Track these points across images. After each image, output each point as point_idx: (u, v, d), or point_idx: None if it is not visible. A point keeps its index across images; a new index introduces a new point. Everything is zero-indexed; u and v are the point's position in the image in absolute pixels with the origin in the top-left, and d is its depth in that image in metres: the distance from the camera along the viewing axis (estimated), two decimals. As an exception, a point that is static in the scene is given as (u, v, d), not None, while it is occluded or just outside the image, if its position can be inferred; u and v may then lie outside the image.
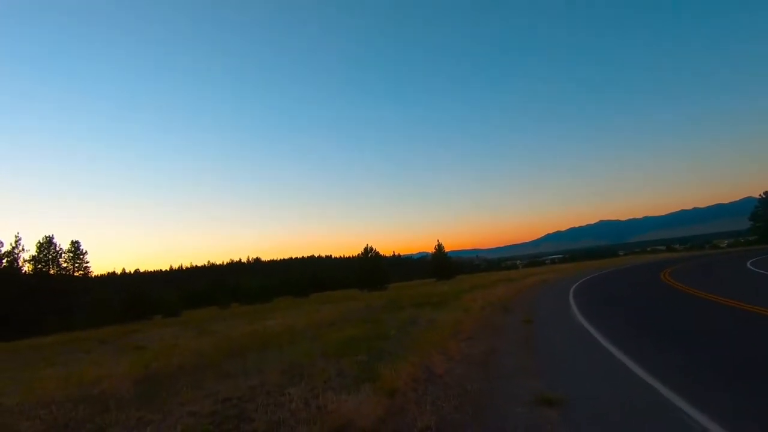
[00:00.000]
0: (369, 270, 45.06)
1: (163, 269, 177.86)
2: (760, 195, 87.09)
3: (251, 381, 7.09)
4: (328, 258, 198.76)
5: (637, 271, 29.46)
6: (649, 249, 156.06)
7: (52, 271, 49.54)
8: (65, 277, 49.68)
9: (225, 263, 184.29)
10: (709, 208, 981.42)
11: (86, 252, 52.96)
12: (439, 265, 55.85)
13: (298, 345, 10.75)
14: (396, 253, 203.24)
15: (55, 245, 50.74)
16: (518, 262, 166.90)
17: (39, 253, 48.93)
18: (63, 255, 50.39)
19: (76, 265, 53.00)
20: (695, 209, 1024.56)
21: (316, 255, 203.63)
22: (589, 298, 14.40)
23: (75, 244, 53.27)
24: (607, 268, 37.58)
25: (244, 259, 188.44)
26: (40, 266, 48.67)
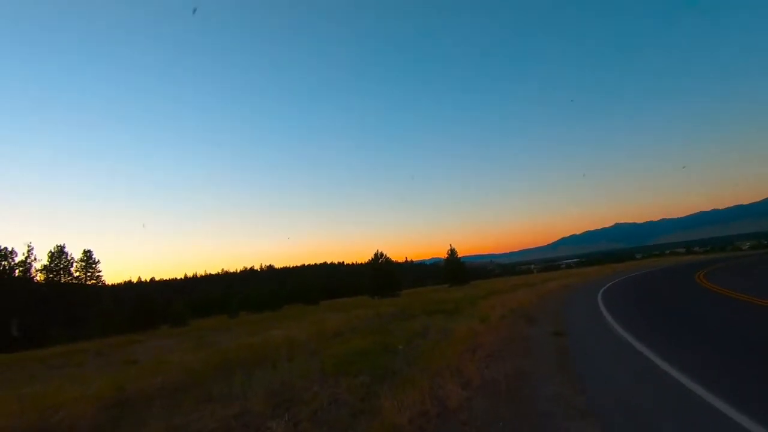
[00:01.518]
0: (379, 276, 43.78)
1: (178, 277, 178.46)
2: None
3: (231, 408, 6.00)
4: (341, 264, 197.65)
5: (666, 274, 27.61)
6: (668, 252, 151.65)
7: (63, 281, 49.51)
8: (76, 287, 49.56)
9: (239, 271, 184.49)
10: (728, 210, 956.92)
11: (98, 261, 52.84)
12: (453, 270, 54.24)
13: (296, 360, 9.66)
14: (408, 259, 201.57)
15: (67, 254, 50.76)
16: (533, 266, 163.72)
17: (50, 263, 48.93)
18: (75, 264, 50.32)
19: (89, 274, 52.92)
20: (714, 211, 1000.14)
21: (329, 262, 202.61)
22: (624, 305, 12.78)
23: (87, 253, 53.27)
24: (631, 272, 35.62)
25: (257, 267, 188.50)
26: (51, 275, 48.67)
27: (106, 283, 62.61)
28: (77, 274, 51.37)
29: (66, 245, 50.10)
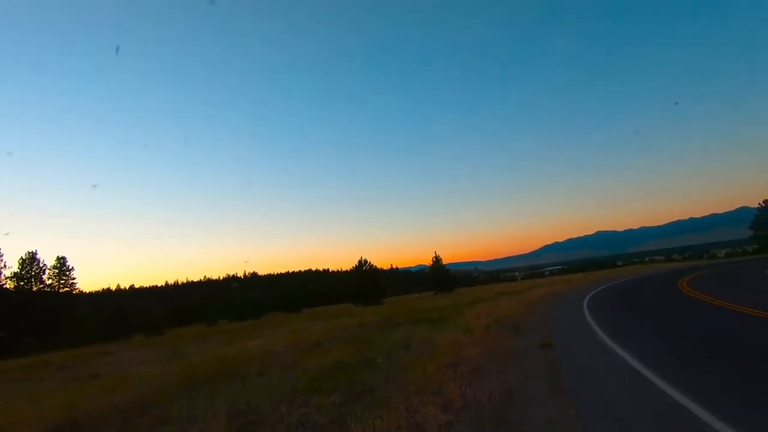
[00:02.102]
0: (364, 284, 43.13)
1: (160, 285, 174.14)
2: (759, 204, 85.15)
3: (189, 432, 5.41)
4: (326, 271, 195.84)
5: (649, 282, 27.59)
6: (647, 259, 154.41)
7: (35, 288, 47.65)
8: (49, 295, 47.68)
9: (221, 278, 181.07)
10: (704, 218, 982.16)
11: (73, 268, 50.86)
12: (438, 277, 53.94)
13: (268, 375, 9.06)
14: (394, 266, 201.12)
15: (39, 261, 48.85)
16: (517, 273, 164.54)
17: (21, 270, 46.97)
18: (48, 271, 48.43)
19: (62, 281, 51.00)
20: (691, 219, 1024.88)
21: (314, 268, 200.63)
22: (611, 314, 12.41)
23: (61, 260, 51.33)
24: (614, 279, 35.65)
25: (240, 274, 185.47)
26: (22, 283, 46.73)
27: (82, 290, 60.52)
28: (50, 281, 49.44)
29: (39, 252, 48.22)
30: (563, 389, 4.62)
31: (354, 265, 46.31)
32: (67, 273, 50.69)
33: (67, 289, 50.40)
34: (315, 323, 23.12)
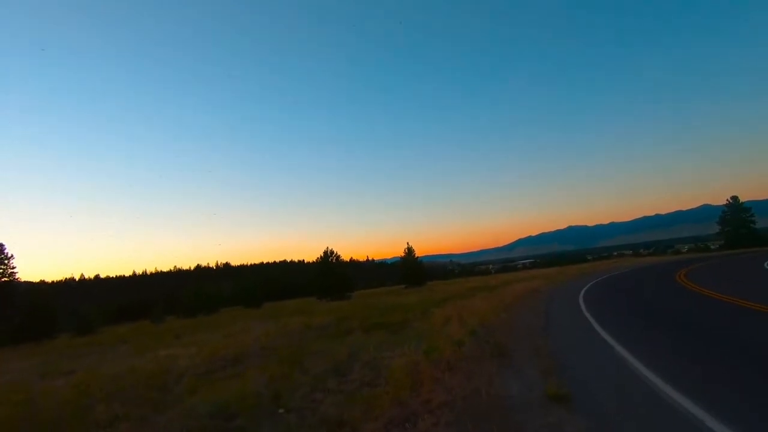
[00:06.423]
0: (328, 276, 39.59)
1: (127, 275, 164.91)
2: (727, 200, 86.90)
3: None
4: (301, 263, 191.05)
5: (642, 278, 24.25)
6: (615, 253, 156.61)
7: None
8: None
9: (192, 268, 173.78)
10: (669, 215, 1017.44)
11: (12, 256, 45.50)
12: (409, 270, 50.95)
13: (121, 424, 5.75)
14: (370, 258, 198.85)
15: (-33, 249, 43.64)
16: (491, 266, 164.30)
17: (-51, 259, 41.78)
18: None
19: (0, 270, 45.69)
20: (657, 215, 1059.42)
21: (289, 260, 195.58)
22: (634, 327, 8.35)
23: (-2, 247, 45.99)
24: (597, 274, 32.63)
25: (212, 264, 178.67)
26: (-51, 273, 41.52)
27: (45, 280, 55.01)
28: (-16, 270, 44.17)
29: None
30: None
31: (319, 257, 42.54)
32: (6, 261, 45.54)
33: (6, 278, 45.38)
34: (261, 323, 19.86)
